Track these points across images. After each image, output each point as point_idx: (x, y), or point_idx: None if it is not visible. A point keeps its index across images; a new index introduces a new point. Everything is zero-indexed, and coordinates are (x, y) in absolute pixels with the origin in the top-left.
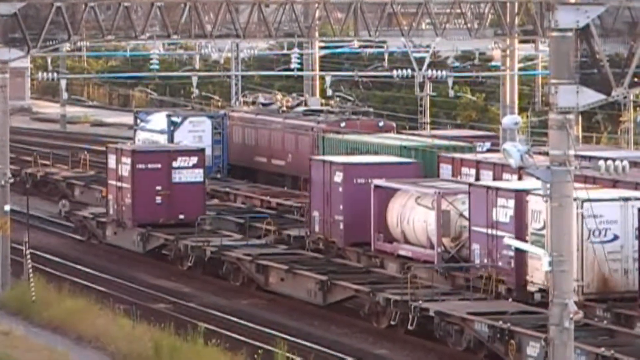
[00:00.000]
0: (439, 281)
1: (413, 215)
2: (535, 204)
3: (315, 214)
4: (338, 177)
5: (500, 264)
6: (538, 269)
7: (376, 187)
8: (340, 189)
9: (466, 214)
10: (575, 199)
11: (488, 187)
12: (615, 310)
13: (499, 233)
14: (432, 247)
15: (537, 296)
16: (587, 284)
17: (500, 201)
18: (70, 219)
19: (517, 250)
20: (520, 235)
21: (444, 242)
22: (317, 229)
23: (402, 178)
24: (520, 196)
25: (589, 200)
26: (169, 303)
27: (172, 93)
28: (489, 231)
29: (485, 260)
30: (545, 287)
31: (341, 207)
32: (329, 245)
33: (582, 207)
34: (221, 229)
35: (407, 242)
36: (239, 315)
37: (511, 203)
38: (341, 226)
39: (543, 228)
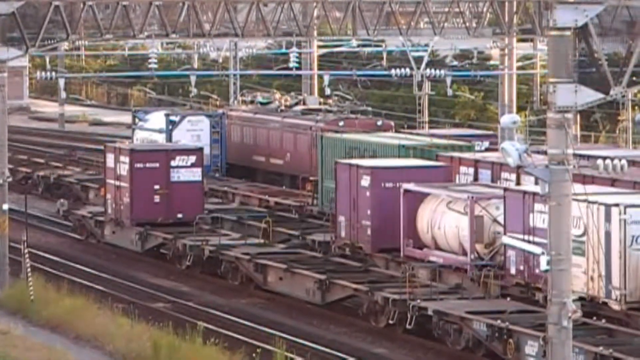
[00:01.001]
0: (472, 288)
1: (444, 220)
2: (575, 209)
3: (341, 218)
4: (365, 181)
5: (537, 271)
6: (578, 277)
7: (406, 191)
8: (368, 194)
9: (500, 219)
10: (617, 205)
11: (525, 192)
12: None
13: (537, 239)
14: (464, 253)
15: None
16: (630, 292)
17: (538, 206)
18: (69, 218)
19: None
20: None
21: (477, 249)
22: (343, 234)
23: (431, 182)
24: None
25: (634, 206)
26: (167, 302)
27: (171, 92)
28: (526, 237)
29: (521, 268)
30: (585, 295)
31: (369, 212)
32: (356, 251)
33: (624, 213)
34: (242, 233)
35: (438, 248)
36: (237, 314)
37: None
38: (369, 231)
39: (584, 234)
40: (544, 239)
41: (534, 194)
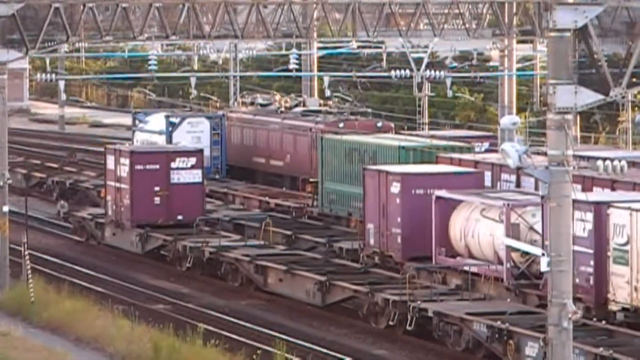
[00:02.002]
0: (511, 299)
1: (478, 228)
2: (618, 217)
3: (370, 226)
4: (395, 187)
5: (577, 280)
6: (622, 287)
7: (438, 198)
8: (398, 201)
9: (537, 227)
10: None
11: None
12: None
13: (577, 248)
14: (500, 262)
15: (620, 316)
16: None
17: (578, 214)
18: (69, 219)
19: (598, 265)
20: (600, 250)
21: (513, 257)
22: (372, 242)
23: (462, 189)
24: (600, 209)
25: None
26: (167, 304)
27: (171, 94)
28: None
29: None
30: (630, 306)
31: (399, 219)
32: (386, 260)
33: None
34: (266, 241)
35: (471, 256)
36: (237, 315)
37: (590, 216)
38: (399, 239)
39: (627, 243)
40: (585, 248)
41: (574, 201)
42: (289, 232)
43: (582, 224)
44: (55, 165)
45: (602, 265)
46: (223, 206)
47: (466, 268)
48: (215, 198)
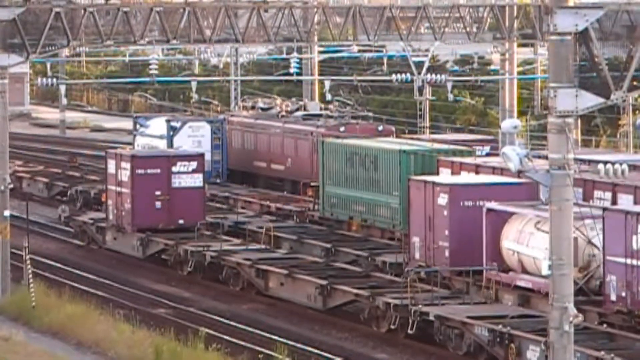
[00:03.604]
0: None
1: (532, 242)
2: None
3: (416, 239)
4: (442, 199)
5: None
6: None
7: (489, 210)
8: (446, 213)
9: (595, 241)
10: None
11: (627, 212)
12: None
13: None
14: None
15: None
16: None
17: None
18: (70, 224)
19: None
20: None
21: None
22: (417, 255)
23: (513, 200)
24: None
25: None
26: (168, 308)
27: (172, 98)
28: (628, 261)
29: (623, 294)
30: None
31: (446, 232)
32: (432, 274)
33: None
34: (303, 253)
35: (525, 271)
36: (239, 320)
37: None
38: (446, 253)
39: None
40: None
41: (638, 214)
42: (328, 245)
43: None
44: (77, 174)
45: None
46: (255, 217)
47: (520, 283)
48: (216, 202)
